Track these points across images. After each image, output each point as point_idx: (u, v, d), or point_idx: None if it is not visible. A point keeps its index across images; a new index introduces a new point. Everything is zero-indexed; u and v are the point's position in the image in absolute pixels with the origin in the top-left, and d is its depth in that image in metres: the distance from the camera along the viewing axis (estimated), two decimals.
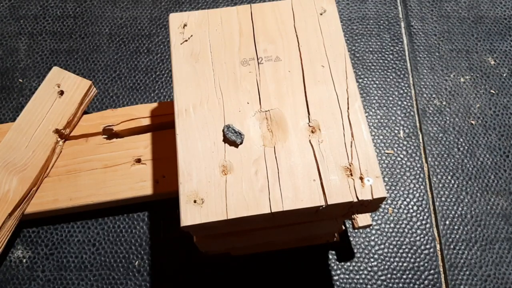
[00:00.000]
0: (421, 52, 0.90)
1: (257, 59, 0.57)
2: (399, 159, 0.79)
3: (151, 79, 0.87)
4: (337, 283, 0.70)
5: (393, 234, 0.73)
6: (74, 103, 0.76)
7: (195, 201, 0.48)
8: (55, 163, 0.74)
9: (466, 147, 0.80)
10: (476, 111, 0.84)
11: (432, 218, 0.75)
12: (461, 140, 0.81)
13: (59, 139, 0.74)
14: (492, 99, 0.85)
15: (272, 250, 0.71)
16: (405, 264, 0.71)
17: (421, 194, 0.76)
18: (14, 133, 0.72)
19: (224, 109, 0.54)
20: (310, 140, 0.51)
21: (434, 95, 0.85)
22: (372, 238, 0.73)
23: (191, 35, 0.59)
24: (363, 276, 0.70)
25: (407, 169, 0.78)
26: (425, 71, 0.88)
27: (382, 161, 0.79)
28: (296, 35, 0.59)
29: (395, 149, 0.80)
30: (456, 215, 0.75)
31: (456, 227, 0.74)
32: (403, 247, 0.72)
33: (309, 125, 0.52)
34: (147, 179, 0.72)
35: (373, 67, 0.88)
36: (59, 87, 0.76)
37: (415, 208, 0.75)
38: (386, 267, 0.71)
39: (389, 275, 0.70)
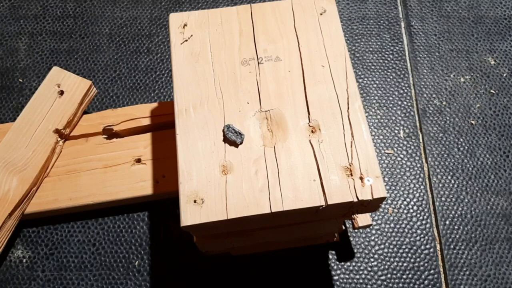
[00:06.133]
0: (421, 52, 0.90)
1: (257, 59, 0.57)
2: (399, 159, 0.79)
3: (151, 79, 0.87)
4: (337, 283, 0.70)
5: (393, 234, 0.73)
6: (74, 103, 0.76)
7: (195, 201, 0.48)
8: (55, 163, 0.74)
9: (466, 147, 0.80)
10: (476, 111, 0.84)
11: (432, 218, 0.75)
12: (461, 140, 0.81)
13: (59, 139, 0.74)
14: (492, 99, 0.85)
15: (272, 250, 0.71)
16: (405, 264, 0.71)
17: (421, 194, 0.76)
18: (14, 133, 0.72)
19: (224, 109, 0.54)
20: (310, 140, 0.51)
21: (434, 95, 0.85)
22: (372, 238, 0.73)
23: (191, 35, 0.59)
24: (363, 276, 0.70)
25: (407, 169, 0.78)
26: (425, 71, 0.88)
27: (382, 161, 0.79)
28: (296, 35, 0.59)
29: (395, 149, 0.80)
30: (456, 215, 0.75)
31: (456, 227, 0.74)
32: (403, 247, 0.72)
33: (309, 125, 0.52)
34: (147, 179, 0.72)
35: (373, 67, 0.88)
36: (59, 87, 0.76)
37: (415, 208, 0.75)
38: (386, 267, 0.71)
39: (389, 275, 0.70)
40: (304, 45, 0.58)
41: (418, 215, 0.75)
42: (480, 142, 0.81)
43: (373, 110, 0.84)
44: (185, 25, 0.60)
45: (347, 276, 0.70)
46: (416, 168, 0.78)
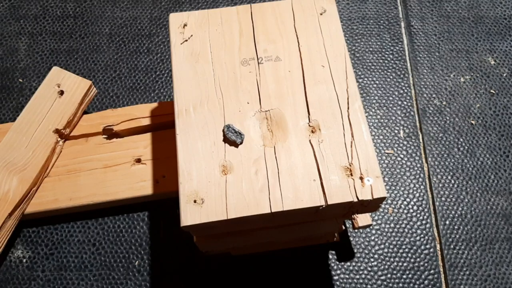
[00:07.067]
0: (421, 52, 0.90)
1: (257, 59, 0.57)
2: (399, 159, 0.79)
3: (151, 79, 0.87)
4: (337, 283, 0.70)
5: (393, 234, 0.73)
6: (74, 103, 0.76)
7: (195, 201, 0.48)
8: (55, 163, 0.74)
9: (466, 147, 0.80)
10: (476, 111, 0.84)
11: (432, 218, 0.75)
12: (461, 140, 0.81)
13: (59, 139, 0.74)
14: (492, 99, 0.85)
15: (272, 250, 0.71)
16: (405, 264, 0.71)
17: (421, 194, 0.76)
18: (14, 133, 0.72)
19: (224, 109, 0.54)
20: (310, 140, 0.51)
21: (434, 95, 0.85)
22: (372, 238, 0.73)
23: (191, 35, 0.59)
24: (363, 276, 0.70)
25: (407, 169, 0.78)
26: (425, 71, 0.88)
27: (382, 161, 0.79)
28: (296, 35, 0.59)
29: (395, 149, 0.80)
30: (456, 215, 0.75)
31: (456, 227, 0.74)
32: (403, 247, 0.72)
33: (309, 125, 0.53)
34: (147, 179, 0.72)
35: (373, 67, 0.88)
36: (59, 87, 0.76)
37: (415, 208, 0.75)
38: (386, 267, 0.71)
39: (389, 275, 0.70)
40: (304, 45, 0.58)
41: (418, 215, 0.75)
42: (480, 142, 0.81)
43: (373, 110, 0.84)
44: (185, 25, 0.60)
45: (347, 276, 0.70)
46: (416, 168, 0.78)
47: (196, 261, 0.71)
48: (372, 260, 0.71)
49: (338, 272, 0.70)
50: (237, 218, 0.48)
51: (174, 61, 0.57)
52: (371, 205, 0.51)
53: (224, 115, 0.53)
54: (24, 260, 0.71)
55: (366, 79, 0.87)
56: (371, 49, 0.90)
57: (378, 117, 0.83)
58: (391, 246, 0.72)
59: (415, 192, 0.76)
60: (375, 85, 0.86)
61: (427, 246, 0.72)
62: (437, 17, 0.94)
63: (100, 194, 0.71)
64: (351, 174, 0.49)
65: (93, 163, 0.73)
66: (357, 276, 0.70)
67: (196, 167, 0.50)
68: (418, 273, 0.70)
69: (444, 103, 0.84)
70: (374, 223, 0.74)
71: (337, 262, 0.71)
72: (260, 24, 0.59)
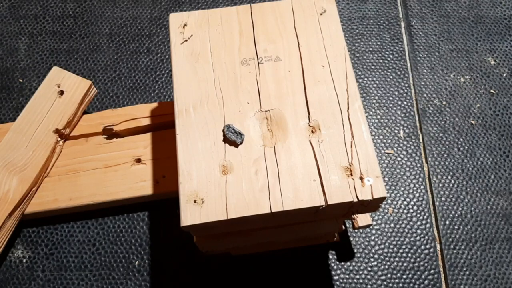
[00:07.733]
0: (421, 52, 0.90)
1: (257, 59, 0.57)
2: (399, 159, 0.79)
3: (151, 79, 0.87)
4: (337, 283, 0.70)
5: (393, 234, 0.73)
6: (74, 103, 0.76)
7: (195, 201, 0.48)
8: (55, 163, 0.74)
9: (466, 147, 0.80)
10: (476, 111, 0.84)
11: (432, 218, 0.75)
12: (461, 140, 0.81)
13: (59, 139, 0.74)
14: (492, 99, 0.85)
15: (272, 250, 0.71)
16: (405, 264, 0.71)
17: (421, 194, 0.76)
18: (14, 133, 0.72)
19: (224, 109, 0.54)
20: (310, 140, 0.51)
21: (434, 95, 0.85)
22: (372, 238, 0.73)
23: (191, 35, 0.59)
24: (363, 276, 0.70)
25: (407, 169, 0.78)
26: (425, 71, 0.88)
27: (382, 161, 0.79)
28: (296, 35, 0.59)
29: (395, 149, 0.80)
30: (456, 215, 0.75)
31: (456, 227, 0.74)
32: (403, 247, 0.72)
33: (309, 125, 0.53)
34: (147, 179, 0.72)
35: (373, 67, 0.88)
36: (59, 87, 0.76)
37: (415, 208, 0.75)
38: (386, 267, 0.71)
39: (389, 275, 0.70)
40: (304, 45, 0.58)
41: (418, 215, 0.75)
42: (480, 142, 0.81)
43: (373, 110, 0.84)
44: (185, 25, 0.60)
45: (347, 276, 0.70)
46: (416, 168, 0.78)
47: (196, 261, 0.71)
48: (372, 260, 0.71)
49: (338, 272, 0.70)
50: (237, 218, 0.48)
51: (174, 61, 0.57)
52: (371, 205, 0.51)
53: (224, 115, 0.53)
54: (24, 260, 0.71)
55: (366, 79, 0.87)
56: (371, 49, 0.90)
57: (378, 117, 0.83)
58: (391, 246, 0.72)
59: (415, 192, 0.76)
60: (375, 85, 0.86)
61: (427, 246, 0.72)
62: (437, 17, 0.94)
63: (100, 194, 0.71)
64: (351, 174, 0.49)
65: (93, 163, 0.73)
66: (357, 276, 0.70)
67: (196, 167, 0.50)
68: (418, 273, 0.70)
69: (444, 103, 0.84)
70: (374, 223, 0.74)
71: (337, 262, 0.71)
72: (260, 24, 0.59)
